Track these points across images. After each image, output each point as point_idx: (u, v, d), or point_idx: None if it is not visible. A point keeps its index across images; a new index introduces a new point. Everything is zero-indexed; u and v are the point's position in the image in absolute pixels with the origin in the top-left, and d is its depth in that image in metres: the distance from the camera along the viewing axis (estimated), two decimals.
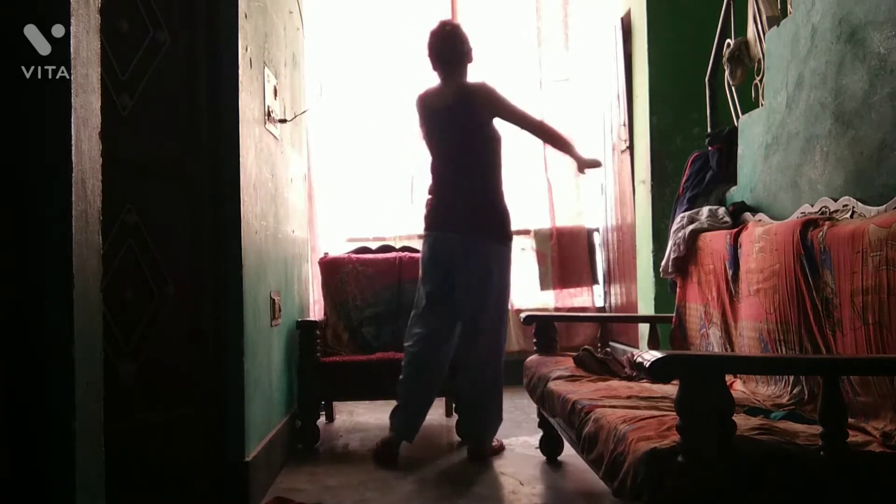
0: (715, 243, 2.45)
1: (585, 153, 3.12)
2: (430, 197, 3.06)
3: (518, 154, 4.33)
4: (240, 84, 2.26)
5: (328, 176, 4.48)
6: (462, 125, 2.94)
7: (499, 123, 3.00)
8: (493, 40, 4.68)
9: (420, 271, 3.07)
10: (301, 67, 3.50)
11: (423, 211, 3.09)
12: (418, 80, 4.50)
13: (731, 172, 2.69)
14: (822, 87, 2.04)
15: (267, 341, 2.65)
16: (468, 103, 2.92)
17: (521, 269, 4.56)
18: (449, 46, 2.98)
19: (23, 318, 1.04)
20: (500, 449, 3.01)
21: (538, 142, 3.70)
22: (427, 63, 3.04)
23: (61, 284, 1.05)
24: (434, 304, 2.97)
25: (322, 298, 3.72)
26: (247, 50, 2.36)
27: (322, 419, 3.53)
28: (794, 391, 1.90)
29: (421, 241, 3.12)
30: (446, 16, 4.49)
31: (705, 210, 2.65)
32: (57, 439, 1.05)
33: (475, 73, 3.08)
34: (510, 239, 3.04)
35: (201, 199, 2.18)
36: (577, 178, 3.18)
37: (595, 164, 3.12)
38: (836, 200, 1.92)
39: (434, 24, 3.06)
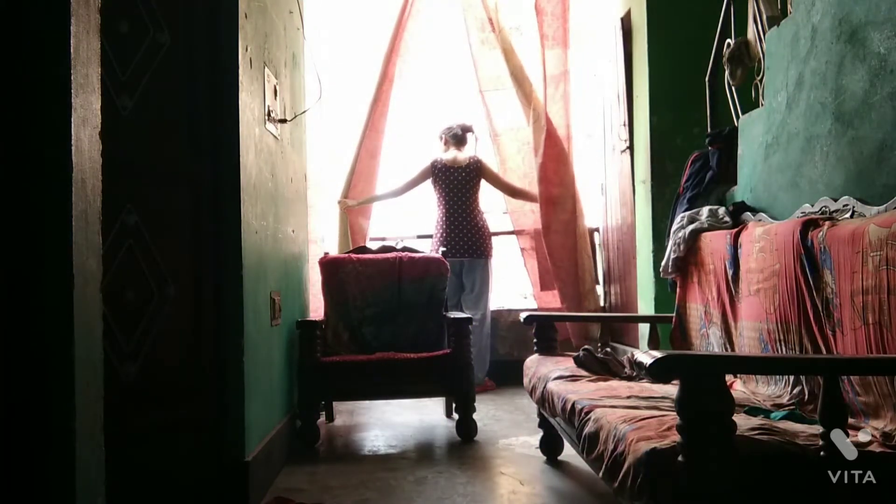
0: (715, 243, 2.45)
1: None
2: None
3: None
4: (240, 84, 2.26)
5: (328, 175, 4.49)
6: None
7: None
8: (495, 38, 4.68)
9: None
10: (301, 67, 3.50)
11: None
12: (418, 80, 4.54)
13: (731, 172, 2.69)
14: (822, 87, 2.04)
15: (267, 341, 2.65)
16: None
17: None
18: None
19: (23, 319, 1.04)
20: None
21: None
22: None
23: (61, 284, 1.05)
24: None
25: (322, 298, 3.72)
26: (247, 50, 2.36)
27: (322, 419, 3.53)
28: (794, 391, 1.90)
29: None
30: (452, 15, 4.51)
31: (705, 210, 2.65)
32: (57, 439, 1.05)
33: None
34: None
35: (201, 199, 2.18)
36: None
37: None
38: (836, 200, 1.92)
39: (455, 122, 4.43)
